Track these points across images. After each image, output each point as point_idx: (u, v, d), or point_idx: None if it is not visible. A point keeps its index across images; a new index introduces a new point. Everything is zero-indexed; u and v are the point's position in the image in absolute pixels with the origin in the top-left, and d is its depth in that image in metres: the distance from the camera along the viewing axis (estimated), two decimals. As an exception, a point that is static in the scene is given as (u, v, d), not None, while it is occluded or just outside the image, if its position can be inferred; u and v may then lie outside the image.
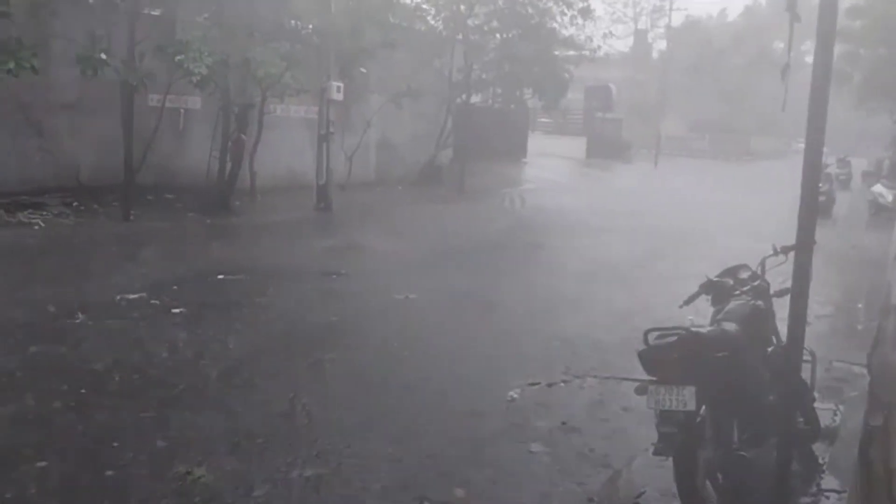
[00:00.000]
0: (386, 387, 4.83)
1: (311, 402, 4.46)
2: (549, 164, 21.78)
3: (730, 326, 3.40)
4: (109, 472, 3.55)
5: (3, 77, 8.71)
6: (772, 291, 3.74)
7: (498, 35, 18.70)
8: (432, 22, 17.67)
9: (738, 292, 3.69)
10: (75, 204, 10.46)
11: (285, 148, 13.49)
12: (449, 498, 3.45)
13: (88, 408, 4.23)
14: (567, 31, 19.44)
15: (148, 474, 3.54)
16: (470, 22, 17.79)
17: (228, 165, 11.82)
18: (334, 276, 7.88)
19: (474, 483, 3.59)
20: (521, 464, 3.85)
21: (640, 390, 3.10)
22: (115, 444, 3.80)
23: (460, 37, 17.62)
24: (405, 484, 3.56)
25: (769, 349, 3.67)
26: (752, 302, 3.64)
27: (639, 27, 48.90)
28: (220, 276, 7.53)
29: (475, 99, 19.57)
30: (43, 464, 3.56)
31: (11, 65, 8.57)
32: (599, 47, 21.79)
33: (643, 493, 3.54)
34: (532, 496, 3.54)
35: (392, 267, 8.49)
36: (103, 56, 9.41)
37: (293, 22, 12.60)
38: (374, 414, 4.37)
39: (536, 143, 21.63)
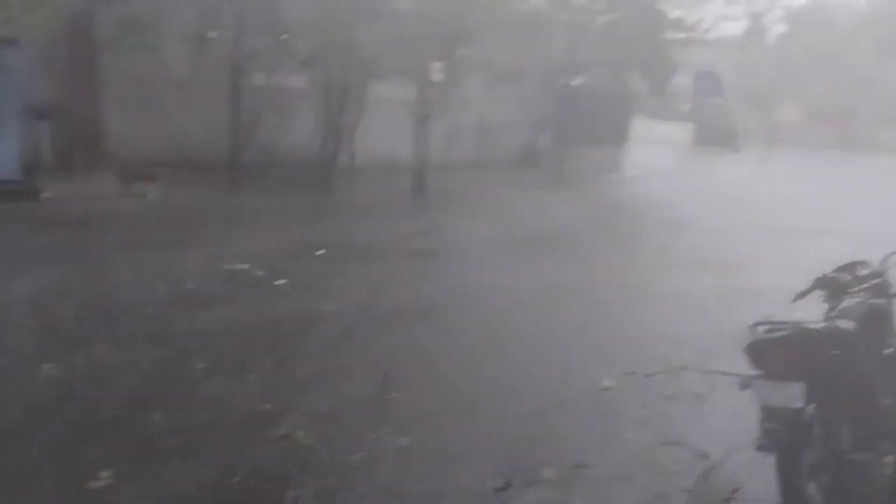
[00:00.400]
0: (478, 368, 4.84)
1: (405, 378, 4.55)
2: (653, 150, 21.08)
3: (845, 324, 3.17)
4: (218, 426, 3.74)
5: (125, 54, 9.24)
6: (893, 290, 3.48)
7: (604, 15, 18.18)
8: (535, 2, 17.37)
9: (855, 289, 3.45)
10: (185, 178, 10.98)
11: (384, 129, 13.66)
12: (537, 478, 3.44)
13: (198, 371, 4.47)
14: (677, 13, 18.65)
15: (252, 433, 3.71)
16: (575, 1, 17.39)
17: (329, 145, 12.12)
18: (429, 257, 7.96)
19: (563, 465, 3.55)
20: (611, 450, 3.78)
21: (744, 385, 2.96)
22: (227, 403, 4.01)
23: (564, 17, 17.25)
24: (494, 461, 3.57)
25: (887, 351, 3.42)
26: (871, 300, 3.39)
27: (754, 9, 46.47)
28: (319, 252, 7.77)
29: (577, 81, 19.15)
30: (157, 416, 3.81)
31: (134, 43, 9.07)
32: (711, 30, 20.85)
33: (740, 488, 3.40)
34: (622, 482, 3.47)
35: (485, 250, 8.47)
36: (212, 35, 9.79)
37: (395, 3, 12.71)
38: (466, 393, 4.40)
39: (640, 128, 20.96)
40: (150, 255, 7.07)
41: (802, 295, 3.56)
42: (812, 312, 3.31)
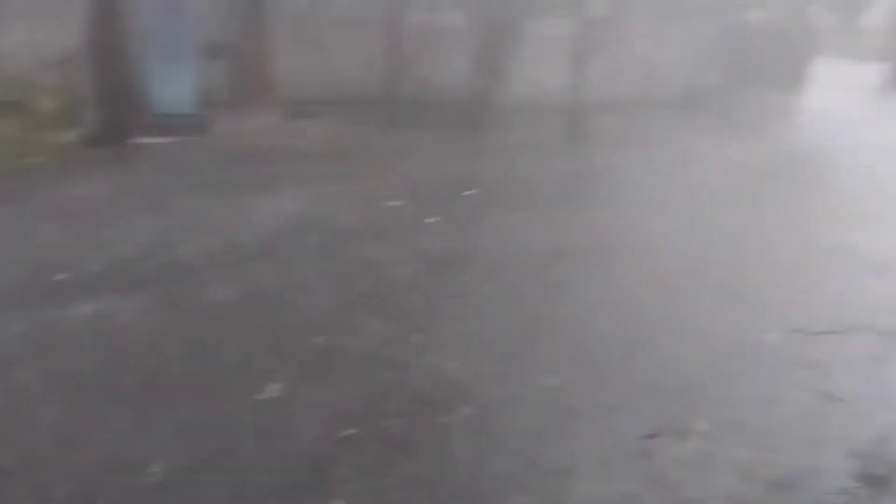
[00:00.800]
0: (635, 315, 4.69)
1: (558, 320, 4.52)
2: (838, 94, 19.14)
3: None
4: (377, 354, 3.90)
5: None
6: None
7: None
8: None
9: None
10: (344, 115, 11.32)
11: (540, 67, 13.32)
12: (689, 429, 3.30)
13: (357, 304, 4.67)
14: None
15: (409, 362, 3.83)
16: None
17: (484, 83, 12.01)
18: (582, 200, 7.76)
19: (718, 419, 3.38)
20: (772, 407, 3.55)
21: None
22: (384, 334, 4.16)
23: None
24: (644, 408, 3.48)
25: None
26: None
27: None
28: (470, 192, 7.79)
29: (753, 16, 17.64)
30: (320, 339, 4.03)
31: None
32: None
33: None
34: (783, 440, 3.25)
35: (643, 195, 8.13)
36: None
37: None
38: (620, 339, 4.29)
39: (825, 69, 19.01)
40: (308, 188, 7.38)
41: None
42: None
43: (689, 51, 15.85)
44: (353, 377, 3.67)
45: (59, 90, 8.62)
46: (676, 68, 15.78)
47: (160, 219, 6.03)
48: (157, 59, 9.48)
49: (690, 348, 4.16)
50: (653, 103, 15.26)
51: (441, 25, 12.42)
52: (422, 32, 11.47)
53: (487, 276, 5.25)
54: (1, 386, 3.36)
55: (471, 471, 2.99)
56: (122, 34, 8.35)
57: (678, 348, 4.16)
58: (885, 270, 5.73)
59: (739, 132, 13.53)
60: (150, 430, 3.10)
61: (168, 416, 3.21)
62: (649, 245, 6.26)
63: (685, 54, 15.82)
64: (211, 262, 5.11)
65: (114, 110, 8.49)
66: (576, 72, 12.39)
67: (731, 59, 16.21)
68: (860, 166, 10.69)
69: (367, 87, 11.42)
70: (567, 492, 2.88)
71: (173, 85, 9.59)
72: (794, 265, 5.95)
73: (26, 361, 3.57)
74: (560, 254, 5.83)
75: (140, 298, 4.42)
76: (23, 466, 2.81)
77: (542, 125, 12.20)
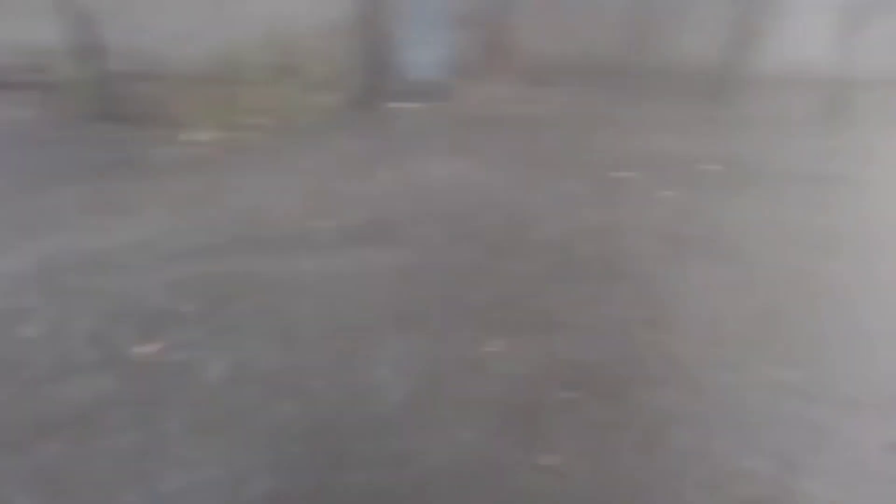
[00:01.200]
0: (886, 307, 4.26)
1: (794, 307, 4.24)
2: None
3: None
4: (596, 322, 3.97)
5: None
6: None
7: None
8: None
9: None
10: (584, 83, 11.26)
11: (799, 35, 12.15)
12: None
13: (574, 274, 4.74)
14: None
15: (628, 336, 3.85)
16: None
17: (733, 52, 11.25)
18: (835, 182, 7.06)
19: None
20: None
21: None
22: (607, 305, 4.21)
23: None
24: (888, 412, 3.18)
25: None
26: None
27: None
28: (709, 167, 7.43)
29: None
30: (545, 301, 4.16)
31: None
32: None
33: None
34: None
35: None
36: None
37: None
38: (864, 334, 3.94)
39: None
40: (541, 155, 7.50)
41: None
42: None
43: None
44: (573, 344, 3.76)
45: (328, 56, 9.56)
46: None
47: (403, 176, 6.52)
48: (414, 28, 10.13)
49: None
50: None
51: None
52: (672, -2, 11.00)
53: (722, 257, 5.03)
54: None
55: (690, 453, 2.97)
56: (386, 4, 9.00)
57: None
58: None
59: None
60: (390, 364, 3.45)
61: (407, 351, 3.55)
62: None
63: None
64: (446, 221, 5.45)
65: (372, 76, 9.25)
66: (844, 40, 11.15)
67: None
68: None
69: (611, 54, 11.23)
70: (796, 487, 2.76)
71: (426, 53, 10.22)
72: None
73: (308, 293, 4.12)
74: (809, 241, 5.40)
75: (391, 250, 4.86)
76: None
77: (799, 99, 11.19)
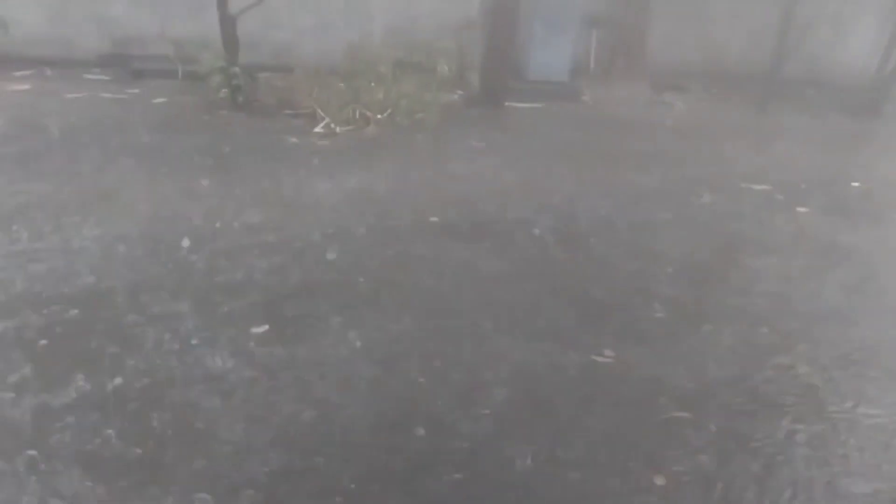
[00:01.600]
0: None
1: None
2: None
3: None
4: (715, 335, 3.74)
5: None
6: None
7: None
8: None
9: None
10: (717, 90, 10.74)
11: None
12: None
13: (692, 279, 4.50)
14: None
15: (759, 360, 3.60)
16: None
17: (891, 62, 10.38)
18: None
19: None
20: None
21: None
22: (729, 320, 3.97)
23: None
24: None
25: None
26: None
27: None
28: (854, 184, 6.90)
29: None
30: (660, 311, 3.95)
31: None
32: None
33: None
34: None
35: None
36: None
37: None
38: None
39: None
40: (665, 164, 7.20)
41: None
42: None
43: None
44: (690, 361, 3.55)
45: (454, 54, 9.60)
46: None
47: (517, 175, 6.42)
48: (540, 28, 10.01)
49: None
50: None
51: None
52: (824, 3, 10.28)
53: (864, 279, 4.63)
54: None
55: (820, 485, 2.72)
56: (513, 5, 8.94)
57: None
58: None
59: None
60: (492, 363, 3.38)
61: (511, 354, 3.47)
62: None
63: None
64: (553, 223, 5.31)
65: (494, 75, 9.20)
66: None
67: None
68: None
69: (748, 61, 10.66)
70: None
71: (550, 53, 10.07)
72: None
73: (394, 281, 4.14)
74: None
75: (481, 244, 4.79)
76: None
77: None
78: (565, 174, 6.59)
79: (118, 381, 3.04)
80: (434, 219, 5.22)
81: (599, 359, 3.48)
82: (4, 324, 3.38)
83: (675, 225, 5.46)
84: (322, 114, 7.82)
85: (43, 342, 3.26)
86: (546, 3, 9.97)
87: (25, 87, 8.50)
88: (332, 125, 7.64)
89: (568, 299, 4.09)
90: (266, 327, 3.55)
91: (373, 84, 8.53)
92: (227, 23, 7.81)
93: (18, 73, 9.05)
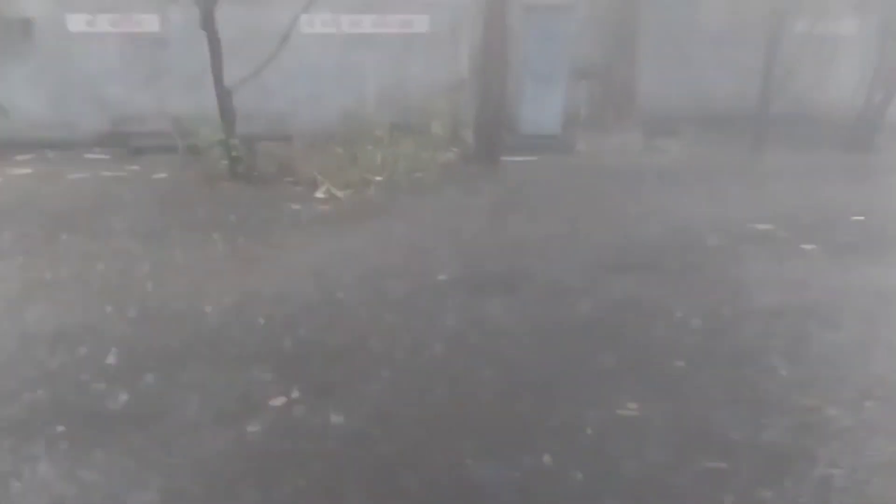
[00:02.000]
0: None
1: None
2: None
3: None
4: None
5: (662, 10, 9.46)
6: None
7: None
8: None
9: None
10: (709, 133, 10.86)
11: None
12: None
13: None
14: None
15: (781, 402, 3.54)
16: None
17: (877, 98, 10.54)
18: None
19: None
20: None
21: None
22: (765, 373, 3.92)
23: None
24: None
25: None
26: None
27: None
28: (855, 218, 6.93)
29: None
30: (680, 362, 3.90)
31: None
32: None
33: None
34: None
35: None
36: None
37: None
38: None
39: None
40: (666, 207, 7.23)
41: None
42: None
43: None
44: (718, 408, 3.48)
45: (447, 113, 9.73)
46: None
47: (518, 230, 6.43)
48: (530, 83, 10.20)
49: None
50: None
51: (830, 35, 11.21)
52: (806, 43, 10.50)
53: (871, 320, 4.59)
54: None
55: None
56: (503, 63, 9.12)
57: None
58: None
59: None
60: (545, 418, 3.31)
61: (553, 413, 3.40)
62: None
63: None
64: (557, 276, 5.29)
65: (489, 131, 9.33)
66: None
67: None
68: None
69: (739, 104, 10.82)
70: None
71: (542, 107, 10.24)
72: None
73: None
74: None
75: (516, 302, 4.76)
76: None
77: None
78: (566, 226, 6.61)
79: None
80: (442, 277, 5.20)
81: (624, 412, 3.42)
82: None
83: (684, 271, 5.44)
84: (322, 179, 7.88)
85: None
86: (535, 59, 10.18)
87: (27, 170, 8.58)
88: (333, 190, 7.69)
89: (585, 354, 4.04)
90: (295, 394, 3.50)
91: (370, 147, 8.63)
92: (224, 96, 7.94)
93: (20, 157, 9.14)
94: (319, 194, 7.60)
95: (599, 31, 10.67)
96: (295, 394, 3.54)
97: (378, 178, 8.10)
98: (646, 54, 10.72)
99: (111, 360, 3.87)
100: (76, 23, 9.57)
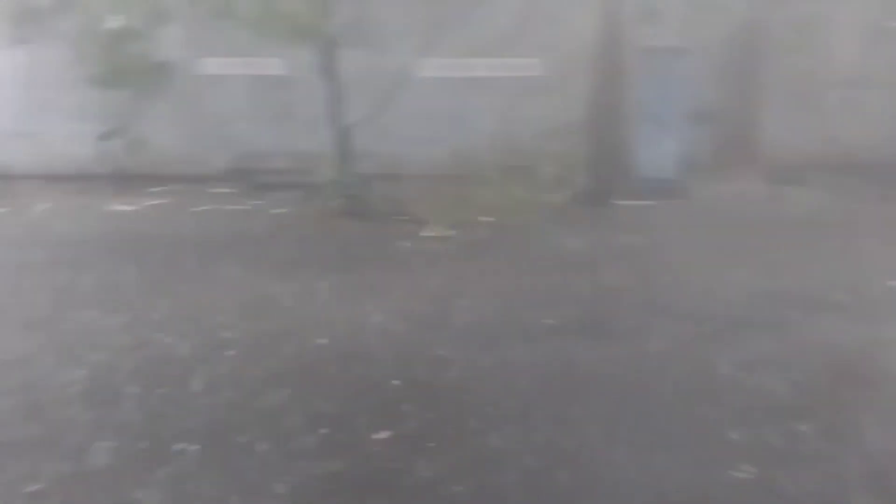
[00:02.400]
0: None
1: None
2: None
3: None
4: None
5: (789, 55, 9.11)
6: None
7: None
8: None
9: None
10: (838, 181, 10.18)
11: None
12: None
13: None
14: None
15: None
16: None
17: None
18: None
19: None
20: None
21: None
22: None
23: None
24: None
25: None
26: None
27: None
28: None
29: None
30: (803, 424, 3.63)
31: (799, 43, 8.87)
32: None
33: None
34: None
35: None
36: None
37: None
38: None
39: None
40: (794, 260, 6.81)
41: None
42: None
43: None
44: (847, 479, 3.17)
45: (557, 156, 9.67)
46: None
47: (627, 275, 6.21)
48: (646, 126, 9.99)
49: None
50: None
51: None
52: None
53: None
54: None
55: None
56: (620, 104, 9.00)
57: None
58: None
59: None
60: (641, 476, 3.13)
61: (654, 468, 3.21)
62: None
63: None
64: (679, 321, 5.04)
65: (601, 174, 9.18)
66: None
67: None
68: None
69: (870, 151, 10.17)
70: None
71: (658, 151, 9.99)
72: None
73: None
74: None
75: (621, 350, 4.58)
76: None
77: None
78: (683, 275, 6.33)
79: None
80: (549, 321, 5.10)
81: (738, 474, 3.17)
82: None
83: (816, 328, 5.07)
84: (433, 218, 7.98)
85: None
86: (651, 102, 9.99)
87: (158, 201, 9.20)
88: (443, 228, 7.76)
89: (691, 406, 3.81)
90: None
91: (480, 188, 8.68)
92: (343, 136, 8.23)
93: (153, 189, 9.82)
94: (430, 233, 7.69)
95: (719, 75, 10.36)
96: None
97: (487, 219, 8.12)
98: (771, 99, 10.31)
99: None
100: (209, 66, 10.29)
